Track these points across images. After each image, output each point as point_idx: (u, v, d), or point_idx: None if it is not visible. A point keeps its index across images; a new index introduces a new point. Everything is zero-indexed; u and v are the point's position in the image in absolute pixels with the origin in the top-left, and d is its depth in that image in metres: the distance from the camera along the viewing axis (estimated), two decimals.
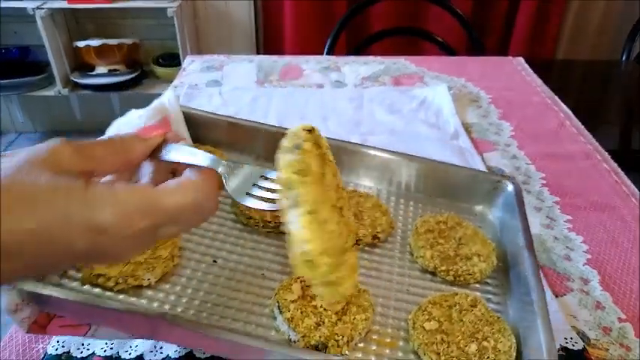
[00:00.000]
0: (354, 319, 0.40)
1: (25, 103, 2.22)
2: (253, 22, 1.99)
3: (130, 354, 0.45)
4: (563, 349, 0.45)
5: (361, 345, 0.40)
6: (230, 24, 2.00)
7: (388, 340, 0.41)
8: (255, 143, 0.53)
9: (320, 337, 0.38)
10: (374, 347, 0.40)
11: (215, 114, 0.55)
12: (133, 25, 2.02)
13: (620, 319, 0.48)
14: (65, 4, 1.79)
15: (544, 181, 0.69)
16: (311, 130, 0.35)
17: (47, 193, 0.25)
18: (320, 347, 0.38)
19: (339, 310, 0.40)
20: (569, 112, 0.88)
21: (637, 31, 1.37)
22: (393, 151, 0.55)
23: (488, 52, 1.86)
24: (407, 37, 1.66)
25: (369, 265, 0.47)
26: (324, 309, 0.40)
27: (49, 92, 1.97)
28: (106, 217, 0.25)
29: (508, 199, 0.51)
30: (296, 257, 0.32)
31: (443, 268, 0.46)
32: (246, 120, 0.56)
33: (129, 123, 0.50)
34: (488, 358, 0.38)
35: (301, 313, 0.40)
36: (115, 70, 1.93)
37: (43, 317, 0.41)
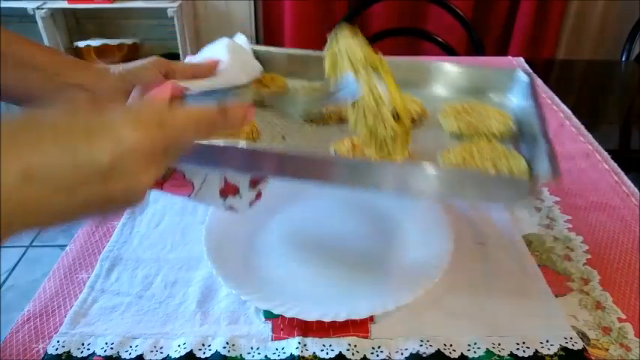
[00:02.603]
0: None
1: None
2: (253, 22, 2.00)
3: (130, 354, 0.45)
4: (563, 349, 0.45)
5: None
6: (230, 24, 2.00)
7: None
8: (309, 69, 0.63)
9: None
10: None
11: (275, 49, 0.66)
12: (134, 26, 2.02)
13: (619, 319, 0.48)
14: (65, 4, 1.79)
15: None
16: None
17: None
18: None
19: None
20: (569, 111, 0.88)
21: (636, 32, 1.37)
22: (421, 60, 0.64)
23: (488, 52, 1.86)
24: (407, 38, 1.67)
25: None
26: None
27: None
28: (127, 129, 0.28)
29: (523, 88, 0.56)
30: (373, 110, 0.40)
31: (466, 128, 0.50)
32: (302, 51, 0.67)
33: (213, 51, 0.56)
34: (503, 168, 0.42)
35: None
36: None
37: (159, 181, 0.48)
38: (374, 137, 0.42)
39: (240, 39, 0.61)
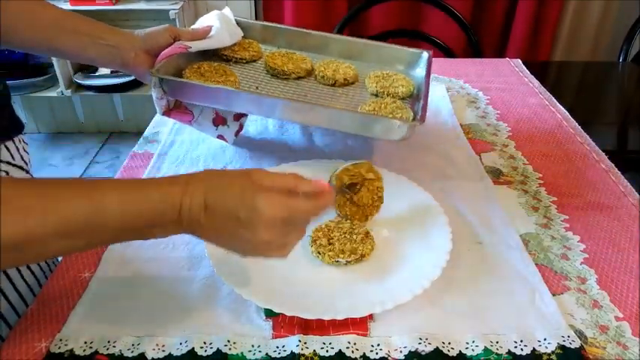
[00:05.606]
0: None
1: (29, 103, 2.23)
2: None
3: (132, 352, 0.45)
4: (561, 347, 0.45)
5: None
6: None
7: None
8: (279, 38, 0.83)
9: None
10: None
11: (252, 21, 0.86)
12: (136, 27, 2.01)
13: (617, 318, 0.49)
14: (68, 6, 1.79)
15: (541, 181, 0.70)
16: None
17: None
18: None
19: None
20: (566, 112, 0.88)
21: (634, 33, 1.37)
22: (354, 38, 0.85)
23: (486, 53, 1.87)
24: (406, 39, 1.67)
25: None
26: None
27: (52, 93, 1.98)
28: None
29: (425, 63, 0.78)
30: None
31: (381, 90, 0.71)
32: (273, 24, 0.85)
33: (207, 20, 0.73)
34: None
35: None
36: (118, 71, 1.94)
37: (169, 110, 0.67)
38: None
39: (227, 11, 0.78)
